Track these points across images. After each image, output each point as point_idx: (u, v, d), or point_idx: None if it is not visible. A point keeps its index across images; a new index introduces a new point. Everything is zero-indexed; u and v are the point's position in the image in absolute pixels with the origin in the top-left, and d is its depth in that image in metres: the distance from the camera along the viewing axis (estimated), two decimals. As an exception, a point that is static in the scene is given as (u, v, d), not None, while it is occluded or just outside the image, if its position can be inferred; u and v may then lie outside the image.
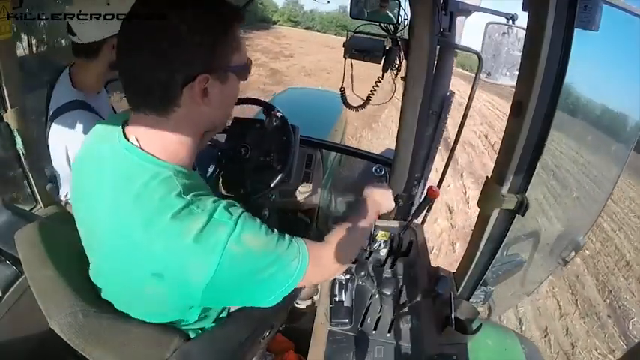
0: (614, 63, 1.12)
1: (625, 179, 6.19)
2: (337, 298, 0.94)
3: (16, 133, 1.20)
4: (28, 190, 1.34)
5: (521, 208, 0.81)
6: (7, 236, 0.94)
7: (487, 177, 0.85)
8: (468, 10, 1.14)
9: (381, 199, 0.97)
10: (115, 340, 0.62)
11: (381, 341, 0.87)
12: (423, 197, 1.06)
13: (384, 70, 1.18)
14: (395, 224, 1.24)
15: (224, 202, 0.60)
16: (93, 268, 0.68)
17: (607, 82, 1.16)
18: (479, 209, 0.90)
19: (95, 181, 0.63)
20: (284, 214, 1.88)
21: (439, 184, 1.42)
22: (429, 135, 1.30)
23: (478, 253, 0.95)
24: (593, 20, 0.67)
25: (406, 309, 0.93)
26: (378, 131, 6.53)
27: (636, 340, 2.91)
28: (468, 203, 4.54)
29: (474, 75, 1.13)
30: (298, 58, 13.14)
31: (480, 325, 0.85)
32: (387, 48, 1.14)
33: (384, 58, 1.15)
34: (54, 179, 1.34)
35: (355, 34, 1.21)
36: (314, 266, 0.66)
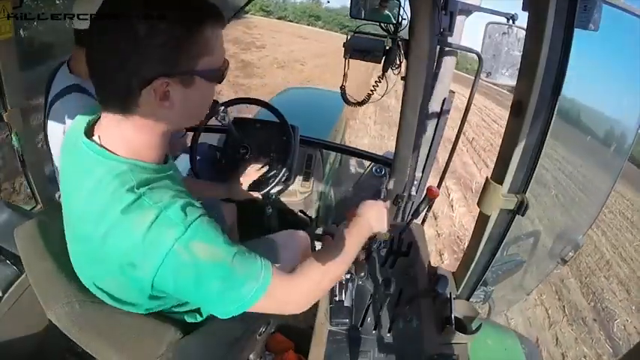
0: (614, 63, 1.12)
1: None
2: (337, 298, 0.94)
3: (15, 133, 1.20)
4: (28, 190, 1.34)
5: (521, 208, 0.81)
6: (7, 235, 0.94)
7: (487, 177, 0.85)
8: (468, 10, 1.14)
9: (376, 221, 0.87)
10: (110, 330, 0.63)
11: (381, 341, 0.87)
12: (423, 197, 1.06)
13: (384, 70, 1.18)
14: (395, 224, 1.24)
15: (182, 201, 0.58)
16: (72, 258, 0.68)
17: (607, 82, 1.16)
18: (479, 209, 0.90)
19: (65, 177, 0.65)
20: (284, 214, 1.88)
21: (439, 184, 1.42)
22: (429, 135, 1.30)
23: (478, 253, 0.95)
24: (593, 20, 0.67)
25: (406, 309, 0.93)
26: (356, 129, 6.44)
27: (620, 342, 2.92)
28: (452, 207, 4.32)
29: (470, 77, 1.13)
30: (270, 49, 12.33)
31: (480, 325, 0.85)
32: (387, 48, 1.14)
33: (384, 58, 1.15)
34: (54, 178, 1.34)
35: (355, 34, 1.21)
36: (270, 297, 0.60)
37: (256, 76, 8.68)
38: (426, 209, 1.17)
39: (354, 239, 0.78)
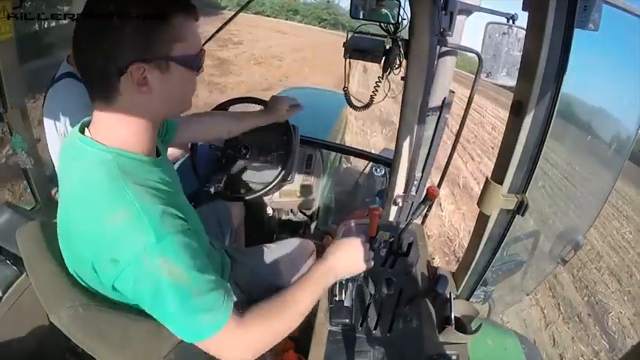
0: (614, 63, 1.12)
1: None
2: (337, 298, 0.94)
3: (15, 133, 1.20)
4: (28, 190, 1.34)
5: (521, 208, 0.81)
6: (8, 235, 0.94)
7: (487, 177, 0.85)
8: (468, 10, 1.14)
9: (347, 266, 0.77)
10: (114, 334, 0.63)
11: (381, 341, 0.87)
12: (423, 197, 1.06)
13: (384, 70, 1.18)
14: (395, 224, 1.24)
15: (163, 207, 0.57)
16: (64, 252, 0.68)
17: (607, 82, 1.16)
18: (479, 209, 0.90)
19: (62, 173, 0.66)
20: (284, 214, 1.88)
21: (439, 184, 1.42)
22: (429, 135, 1.30)
23: (478, 253, 0.95)
24: (593, 20, 0.67)
25: (406, 309, 0.93)
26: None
27: (616, 336, 2.92)
28: (441, 205, 4.12)
29: (469, 75, 1.13)
30: (248, 45, 12.18)
31: (480, 325, 0.85)
32: (387, 48, 1.14)
33: (384, 58, 1.15)
34: (54, 178, 1.34)
35: (355, 34, 1.20)
36: (219, 339, 0.58)
37: (233, 74, 8.54)
38: (425, 209, 1.17)
39: (313, 290, 0.70)
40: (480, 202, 0.88)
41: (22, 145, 1.23)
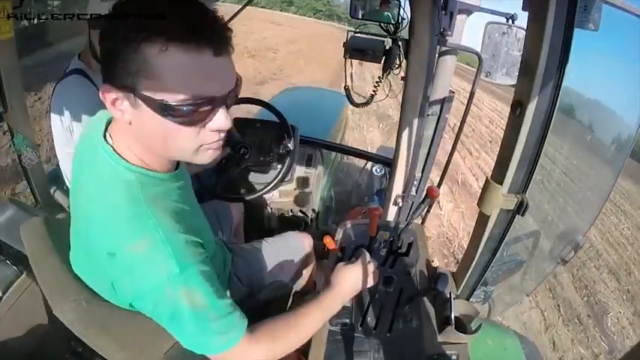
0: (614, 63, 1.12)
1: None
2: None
3: (16, 133, 1.20)
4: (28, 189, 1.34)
5: (521, 208, 0.81)
6: (12, 231, 0.95)
7: (487, 177, 0.85)
8: (468, 10, 1.14)
9: (352, 289, 0.80)
10: (116, 328, 0.64)
11: (381, 341, 0.87)
12: (423, 197, 1.06)
13: (384, 70, 1.18)
14: (395, 224, 1.24)
15: (186, 236, 0.57)
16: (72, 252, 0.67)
17: (607, 81, 1.16)
18: (479, 209, 0.90)
19: (77, 170, 0.65)
20: (284, 214, 1.88)
21: (439, 184, 1.42)
22: (429, 135, 1.30)
23: (478, 253, 0.95)
24: (593, 20, 0.67)
25: (406, 309, 0.93)
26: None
27: (615, 337, 2.90)
28: (440, 203, 3.98)
29: (468, 68, 1.14)
30: (241, 37, 11.45)
31: (480, 325, 0.85)
32: (387, 48, 1.14)
33: (384, 58, 1.15)
34: (54, 178, 1.34)
35: (355, 34, 1.21)
36: (230, 354, 0.60)
37: None
38: (426, 209, 1.17)
39: (320, 317, 0.73)
40: (479, 202, 0.88)
41: (24, 143, 1.23)
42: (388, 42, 1.16)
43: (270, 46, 11.83)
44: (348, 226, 1.18)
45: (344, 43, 1.19)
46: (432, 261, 1.08)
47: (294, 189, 1.78)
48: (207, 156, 0.59)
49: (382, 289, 0.97)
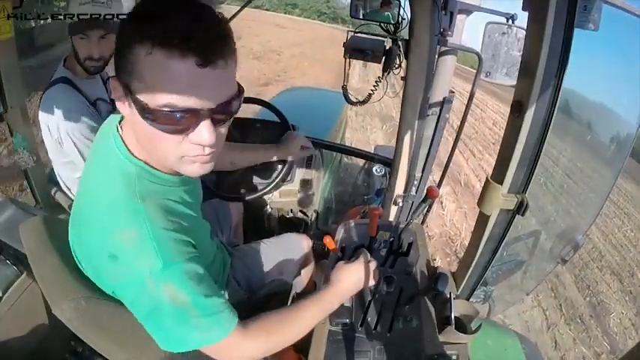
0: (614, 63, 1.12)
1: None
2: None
3: (16, 133, 1.20)
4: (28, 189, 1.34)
5: (521, 208, 0.81)
6: (11, 231, 0.95)
7: (487, 177, 0.85)
8: (468, 10, 1.14)
9: (354, 287, 0.79)
10: (116, 327, 0.64)
11: (381, 341, 0.87)
12: (423, 197, 1.06)
13: (384, 70, 1.18)
14: (395, 224, 1.24)
15: (176, 234, 0.57)
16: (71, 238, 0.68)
17: (607, 81, 1.16)
18: (479, 209, 0.90)
19: (91, 155, 0.67)
20: (284, 214, 1.88)
21: (439, 184, 1.42)
22: (429, 135, 1.30)
23: (478, 253, 0.95)
24: (593, 20, 0.67)
25: (406, 309, 0.93)
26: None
27: (617, 337, 2.90)
28: (442, 203, 4.00)
29: (469, 70, 1.14)
30: (246, 40, 11.80)
31: (480, 325, 0.85)
32: (387, 48, 1.14)
33: (384, 58, 1.15)
34: (54, 178, 1.34)
35: (355, 34, 1.20)
36: (216, 350, 0.59)
37: None
38: (426, 209, 1.17)
39: (317, 313, 0.72)
40: (480, 202, 0.88)
41: (23, 144, 1.23)
42: (388, 42, 1.16)
43: (274, 48, 11.96)
44: (348, 226, 1.17)
45: (344, 43, 1.19)
46: (434, 260, 1.08)
47: (294, 189, 1.78)
48: (192, 169, 0.58)
49: (382, 289, 0.97)
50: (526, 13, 0.69)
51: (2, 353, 0.92)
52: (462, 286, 1.04)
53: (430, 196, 1.02)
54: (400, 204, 1.40)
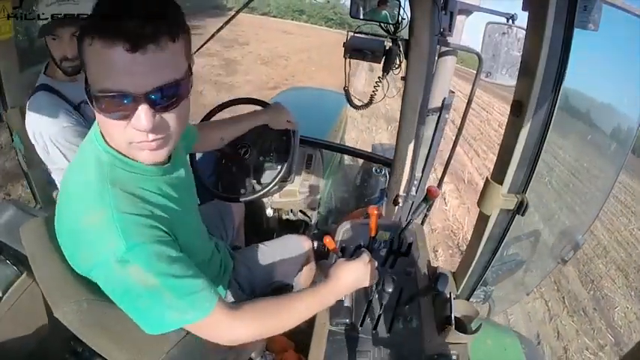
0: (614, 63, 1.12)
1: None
2: (337, 298, 0.94)
3: (15, 133, 1.20)
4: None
5: (521, 208, 0.81)
6: (11, 232, 0.95)
7: (487, 177, 0.85)
8: (468, 10, 1.15)
9: (353, 284, 0.78)
10: (117, 329, 0.64)
11: (381, 341, 0.87)
12: (423, 197, 1.06)
13: (384, 70, 1.18)
14: (395, 224, 1.24)
15: (141, 219, 0.57)
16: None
17: (606, 82, 1.16)
18: (479, 209, 0.90)
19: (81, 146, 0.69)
20: (285, 214, 1.88)
21: (439, 184, 1.42)
22: (429, 135, 1.30)
23: (478, 253, 0.95)
24: (593, 20, 0.67)
25: (406, 309, 0.93)
26: (343, 122, 6.46)
27: (622, 330, 2.90)
28: (445, 199, 4.13)
29: (470, 70, 1.14)
30: (254, 46, 12.38)
31: (480, 325, 0.85)
32: (387, 48, 1.14)
33: (384, 58, 1.15)
34: (54, 178, 1.34)
35: (355, 34, 1.20)
36: (200, 328, 0.60)
37: (239, 73, 8.64)
38: (426, 209, 1.17)
39: (311, 305, 0.71)
40: (480, 202, 0.88)
41: (22, 145, 1.23)
42: (388, 42, 1.16)
43: (282, 54, 12.13)
44: (348, 226, 1.17)
45: (344, 43, 1.19)
46: (437, 252, 1.08)
47: (295, 189, 1.78)
48: (143, 155, 0.60)
49: (382, 289, 0.97)
50: (526, 13, 0.69)
51: (2, 353, 0.92)
52: (462, 286, 1.04)
53: (430, 196, 1.02)
54: (400, 204, 1.40)
